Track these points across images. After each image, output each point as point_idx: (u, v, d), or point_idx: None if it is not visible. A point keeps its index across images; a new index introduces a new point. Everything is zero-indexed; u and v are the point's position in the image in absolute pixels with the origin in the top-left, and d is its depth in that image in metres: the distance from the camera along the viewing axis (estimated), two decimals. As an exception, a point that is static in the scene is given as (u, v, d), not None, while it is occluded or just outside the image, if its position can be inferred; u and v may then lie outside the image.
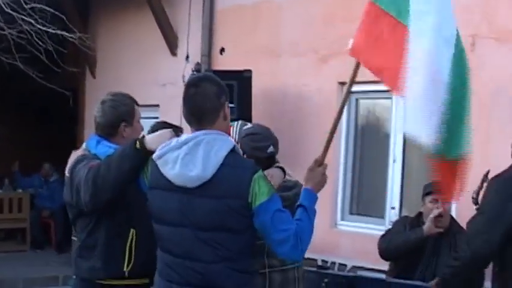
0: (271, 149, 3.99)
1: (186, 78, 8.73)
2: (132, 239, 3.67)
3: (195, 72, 8.66)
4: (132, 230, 3.67)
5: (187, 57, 9.04)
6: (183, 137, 3.21)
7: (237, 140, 4.42)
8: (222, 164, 3.07)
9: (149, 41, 9.64)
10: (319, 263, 6.54)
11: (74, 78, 11.10)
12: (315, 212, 3.24)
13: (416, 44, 3.19)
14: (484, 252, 3.93)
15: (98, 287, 3.69)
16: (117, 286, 3.69)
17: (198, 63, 8.73)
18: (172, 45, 9.37)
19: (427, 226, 5.01)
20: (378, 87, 6.81)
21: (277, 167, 3.99)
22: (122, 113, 3.75)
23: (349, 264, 6.44)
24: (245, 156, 3.96)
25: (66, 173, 3.70)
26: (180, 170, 3.09)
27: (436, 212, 5.01)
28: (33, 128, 13.98)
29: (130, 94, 3.89)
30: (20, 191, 12.01)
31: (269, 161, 3.99)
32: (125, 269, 3.64)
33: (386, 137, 6.75)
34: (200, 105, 3.15)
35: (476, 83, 5.88)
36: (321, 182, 3.34)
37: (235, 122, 4.65)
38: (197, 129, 3.17)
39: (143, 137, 3.43)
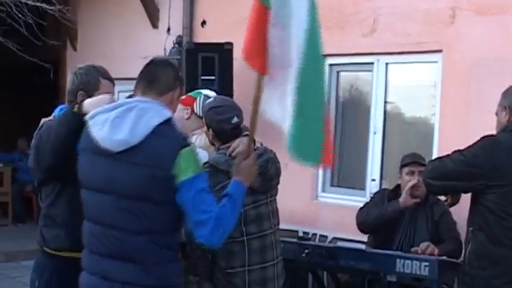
0: (235, 119, 3.98)
1: (168, 51, 8.74)
2: None
3: (176, 45, 8.66)
4: None
5: (168, 29, 9.00)
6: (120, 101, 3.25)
7: (200, 114, 4.46)
8: (152, 133, 3.00)
9: (130, 14, 9.58)
10: (300, 234, 6.60)
11: (54, 51, 11.01)
12: (239, 202, 3.19)
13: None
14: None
15: (60, 260, 3.58)
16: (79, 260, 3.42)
17: (179, 36, 8.71)
18: (153, 17, 9.31)
19: (403, 198, 5.05)
20: (358, 60, 6.88)
21: (245, 135, 3.94)
22: (82, 82, 3.68)
23: (330, 235, 6.49)
24: (211, 130, 4.03)
25: (33, 140, 3.69)
26: (107, 132, 3.03)
27: (410, 183, 5.06)
28: (13, 102, 13.91)
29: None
30: (1, 165, 11.98)
31: (236, 132, 3.99)
32: None
33: (367, 109, 6.78)
34: (153, 74, 3.18)
35: (455, 56, 6.00)
36: (250, 173, 3.32)
37: (198, 95, 4.68)
38: (142, 96, 3.16)
39: (82, 100, 3.41)
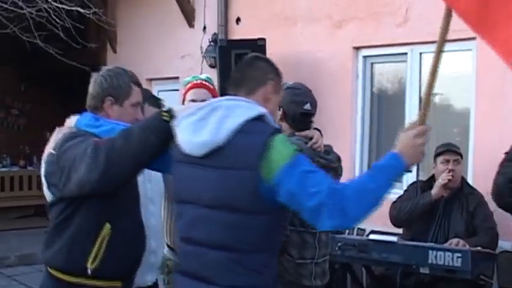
0: (308, 106, 3.90)
1: (204, 49, 8.80)
2: (104, 235, 3.11)
3: (212, 43, 8.71)
4: (107, 224, 3.11)
5: (204, 28, 9.08)
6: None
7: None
8: (238, 131, 2.62)
9: (167, 14, 9.67)
10: (337, 228, 6.56)
11: (95, 54, 11.19)
12: (389, 175, 2.60)
13: None
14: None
15: (60, 283, 3.15)
16: (78, 285, 3.12)
17: (215, 34, 8.77)
18: (189, 17, 9.39)
19: (435, 190, 5.00)
20: (391, 50, 6.81)
21: (316, 129, 3.94)
22: (112, 86, 3.27)
23: (368, 228, 6.43)
24: (281, 110, 3.79)
25: (52, 151, 3.14)
26: (189, 135, 2.72)
27: (443, 178, 4.99)
28: (60, 105, 14.14)
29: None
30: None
31: (305, 119, 3.90)
32: (88, 265, 3.08)
33: (402, 100, 6.70)
34: (241, 72, 2.90)
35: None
36: (416, 152, 2.67)
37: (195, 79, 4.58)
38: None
39: (169, 108, 2.98)
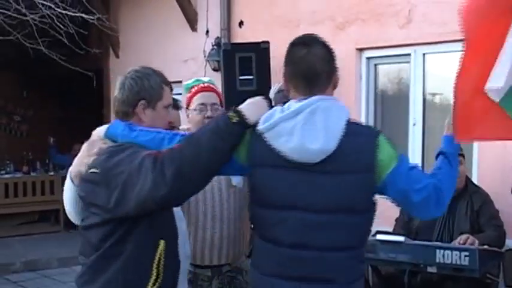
0: None
1: (207, 53, 8.81)
2: (161, 253, 2.86)
3: (215, 47, 8.73)
4: (161, 241, 2.87)
5: (207, 31, 9.10)
6: (293, 104, 2.72)
7: (272, 96, 4.37)
8: (344, 134, 2.64)
9: (170, 18, 9.69)
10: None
11: (98, 60, 11.23)
12: (456, 160, 2.92)
13: None
14: None
15: None
16: None
17: (218, 37, 8.78)
18: (192, 20, 9.41)
19: None
20: (395, 51, 6.82)
21: None
22: (144, 88, 2.98)
23: (374, 228, 6.44)
24: None
25: (94, 170, 2.82)
26: (299, 142, 2.62)
27: None
28: (62, 110, 14.18)
29: (153, 69, 3.13)
30: (52, 173, 12.21)
31: None
32: None
33: (406, 100, 6.72)
34: (313, 67, 2.73)
35: None
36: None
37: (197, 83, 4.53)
38: (305, 96, 2.72)
39: (235, 109, 2.73)
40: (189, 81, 4.18)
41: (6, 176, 12.16)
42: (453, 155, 2.91)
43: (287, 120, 2.66)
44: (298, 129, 2.63)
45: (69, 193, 3.03)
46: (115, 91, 3.06)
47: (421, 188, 2.69)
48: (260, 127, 2.70)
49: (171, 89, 3.12)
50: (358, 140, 2.67)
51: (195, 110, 3.87)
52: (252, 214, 2.87)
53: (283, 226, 2.70)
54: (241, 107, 2.74)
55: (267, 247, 2.77)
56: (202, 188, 2.79)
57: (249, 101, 2.78)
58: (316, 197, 2.64)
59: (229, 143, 2.68)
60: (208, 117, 3.76)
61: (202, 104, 3.87)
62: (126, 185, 2.66)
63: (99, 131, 2.99)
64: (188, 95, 4.13)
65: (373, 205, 2.72)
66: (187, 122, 3.96)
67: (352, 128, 2.69)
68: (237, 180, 3.78)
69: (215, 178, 3.18)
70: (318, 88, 2.72)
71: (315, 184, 2.64)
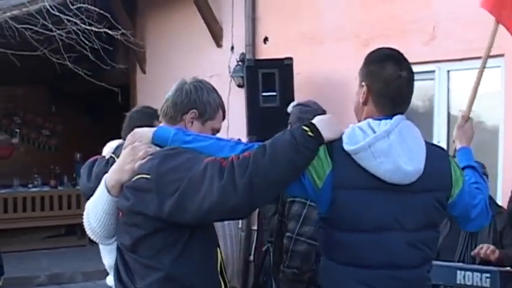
0: None
1: (232, 69, 8.82)
2: (220, 263, 2.77)
3: (240, 63, 8.73)
4: (218, 249, 2.79)
5: (232, 48, 9.11)
6: (376, 122, 2.68)
7: (290, 110, 4.37)
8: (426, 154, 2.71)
9: (195, 34, 9.72)
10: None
11: (125, 75, 11.31)
12: (481, 171, 3.19)
13: None
14: None
15: None
16: None
17: (242, 53, 8.79)
18: (217, 37, 9.42)
19: None
20: (419, 68, 6.73)
21: None
22: (199, 99, 2.88)
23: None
24: (289, 126, 3.87)
25: (144, 175, 2.62)
26: (396, 164, 2.59)
27: None
28: (90, 125, 14.28)
29: (215, 88, 3.09)
30: (79, 187, 12.27)
31: None
32: None
33: (430, 118, 6.65)
34: (403, 92, 2.80)
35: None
36: (471, 136, 3.42)
37: None
38: (388, 115, 2.72)
39: (310, 123, 2.62)
40: None
41: (34, 189, 12.29)
42: (478, 167, 3.16)
43: (381, 140, 2.62)
44: (395, 149, 2.61)
45: (99, 207, 2.79)
46: (168, 92, 2.94)
47: (476, 203, 2.91)
48: (352, 148, 2.62)
49: (224, 117, 3.02)
50: (436, 159, 2.77)
51: None
52: (330, 240, 2.73)
53: (379, 248, 2.66)
54: (315, 122, 2.63)
55: (348, 271, 2.69)
56: (270, 201, 2.80)
57: (319, 117, 2.69)
58: (410, 216, 2.70)
59: (306, 158, 2.56)
60: None
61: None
62: (184, 193, 2.50)
63: (140, 136, 2.81)
64: None
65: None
66: None
67: (428, 147, 2.78)
68: None
69: None
70: (400, 110, 2.79)
71: (408, 204, 2.69)
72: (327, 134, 2.62)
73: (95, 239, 2.92)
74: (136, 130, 2.85)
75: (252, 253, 8.04)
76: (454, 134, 3.26)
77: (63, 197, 12.04)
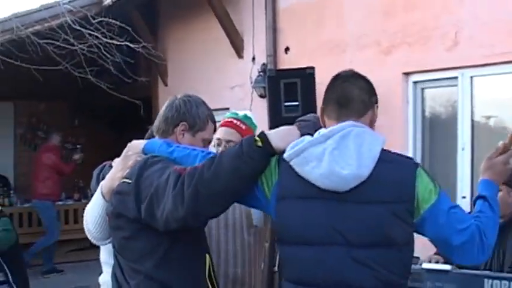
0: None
1: (253, 80, 8.82)
2: (209, 266, 2.85)
3: (261, 73, 8.72)
4: (207, 256, 2.88)
5: (253, 58, 9.11)
6: (323, 130, 2.61)
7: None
8: (378, 161, 2.49)
9: (216, 46, 9.74)
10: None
11: (147, 88, 11.34)
12: (497, 205, 2.68)
13: None
14: None
15: None
16: None
17: (264, 64, 8.79)
18: (238, 48, 9.44)
19: None
20: (441, 75, 6.71)
21: None
22: (188, 112, 3.03)
23: (422, 256, 6.30)
24: None
25: (126, 180, 2.78)
26: (329, 168, 2.45)
27: None
28: (113, 139, 14.33)
29: (204, 101, 3.21)
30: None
31: None
32: None
33: (454, 125, 6.58)
34: (348, 92, 2.64)
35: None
36: (503, 172, 2.78)
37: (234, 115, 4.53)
38: (340, 121, 2.61)
39: (262, 133, 2.62)
40: (227, 114, 4.19)
41: (58, 203, 12.31)
42: (493, 199, 2.68)
43: (316, 145, 2.52)
44: (328, 153, 2.48)
45: (96, 210, 2.98)
46: (161, 109, 3.12)
47: (463, 228, 2.50)
48: (286, 154, 2.55)
49: (215, 129, 3.18)
50: (395, 168, 2.52)
51: (212, 143, 3.85)
52: (280, 256, 2.67)
53: (322, 264, 2.50)
54: (269, 132, 2.62)
55: None
56: (221, 211, 2.67)
57: (280, 128, 2.68)
58: (353, 229, 2.46)
59: (251, 168, 2.53)
60: None
61: (218, 138, 3.87)
62: (151, 200, 2.62)
63: (132, 147, 2.99)
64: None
65: (412, 238, 2.56)
66: None
67: (389, 156, 2.56)
68: (256, 219, 3.80)
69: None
70: (351, 114, 2.62)
71: (349, 215, 2.47)
72: (279, 144, 2.58)
73: (91, 240, 3.08)
74: (131, 142, 3.03)
75: (277, 264, 8.00)
76: (482, 164, 2.87)
77: (88, 210, 12.06)
